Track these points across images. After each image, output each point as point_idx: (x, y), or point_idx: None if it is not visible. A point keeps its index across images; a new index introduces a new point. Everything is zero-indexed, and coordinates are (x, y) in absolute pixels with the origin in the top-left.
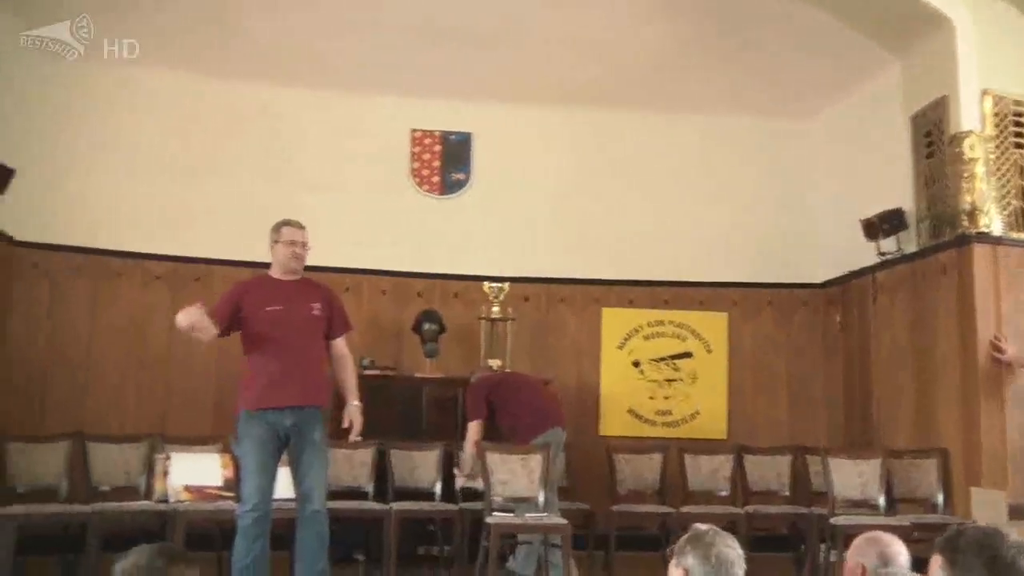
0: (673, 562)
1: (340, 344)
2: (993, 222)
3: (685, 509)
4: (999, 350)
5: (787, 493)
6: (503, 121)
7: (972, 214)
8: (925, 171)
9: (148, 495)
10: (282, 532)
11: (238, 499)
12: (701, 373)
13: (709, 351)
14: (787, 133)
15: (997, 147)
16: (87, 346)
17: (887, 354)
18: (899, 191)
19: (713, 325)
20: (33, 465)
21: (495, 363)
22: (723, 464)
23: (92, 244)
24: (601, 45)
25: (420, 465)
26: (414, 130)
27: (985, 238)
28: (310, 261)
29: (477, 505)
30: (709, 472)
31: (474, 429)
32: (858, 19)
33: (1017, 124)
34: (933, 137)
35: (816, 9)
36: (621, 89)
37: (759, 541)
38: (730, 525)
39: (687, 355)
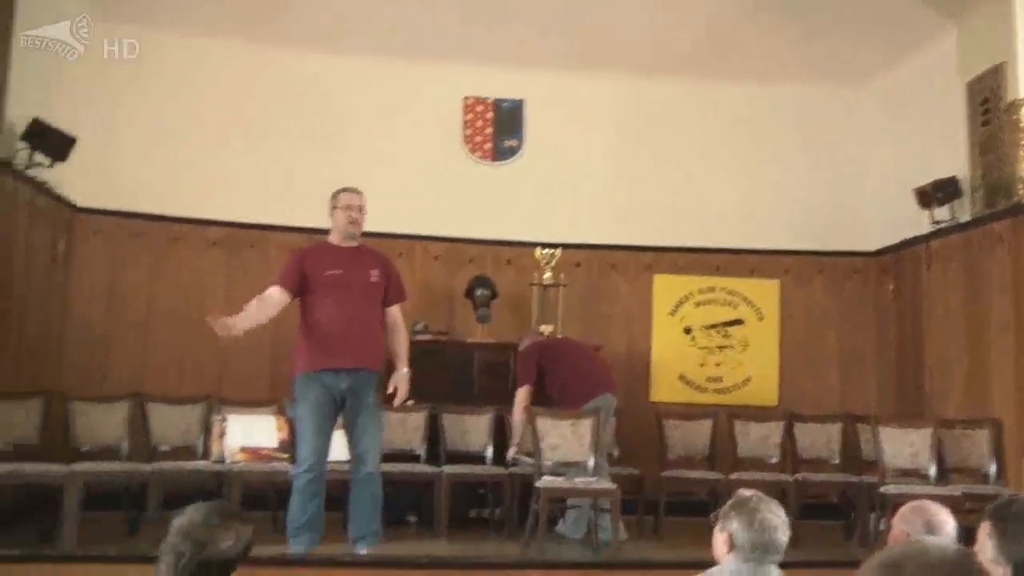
0: (718, 527)
1: (394, 312)
2: None
3: (734, 476)
4: None
5: (837, 461)
6: (555, 88)
7: None
8: (980, 139)
9: (205, 455)
10: (336, 493)
11: (292, 460)
12: (752, 340)
13: (760, 318)
14: (841, 100)
15: None
16: (146, 310)
17: (940, 323)
18: (954, 159)
19: (765, 292)
20: (96, 425)
21: (546, 328)
22: (773, 431)
23: (151, 210)
24: (653, 12)
25: (471, 429)
26: (466, 97)
27: None
28: (364, 227)
29: (527, 469)
30: (759, 439)
31: (523, 395)
32: None
33: None
34: (989, 104)
35: None
36: (673, 56)
37: (809, 509)
38: (779, 492)
39: (738, 322)
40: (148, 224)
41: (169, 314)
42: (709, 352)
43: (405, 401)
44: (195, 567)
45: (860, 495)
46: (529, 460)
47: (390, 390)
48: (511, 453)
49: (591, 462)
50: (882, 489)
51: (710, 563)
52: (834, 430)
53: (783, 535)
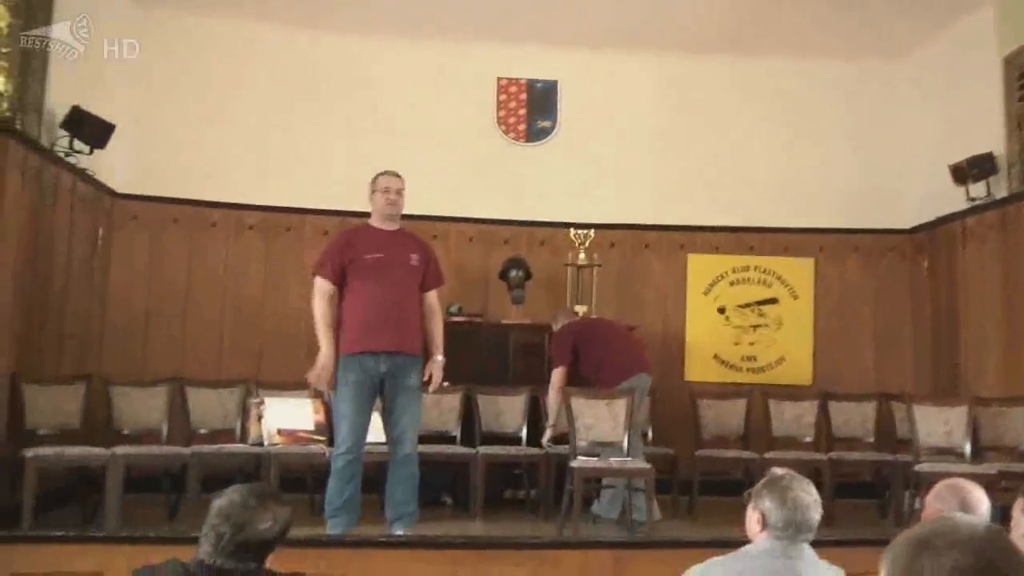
0: (750, 506)
1: (432, 297)
2: None
3: (769, 455)
4: None
5: (872, 440)
6: (588, 68)
7: None
8: (1017, 114)
9: (243, 438)
10: (373, 475)
11: (329, 443)
12: (787, 319)
13: (795, 297)
14: (876, 76)
15: None
16: (184, 294)
17: (975, 301)
18: (990, 135)
19: (799, 271)
20: (137, 409)
21: (581, 309)
22: (807, 410)
23: (188, 195)
24: None
25: (506, 410)
26: (500, 78)
27: None
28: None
29: (562, 449)
30: (793, 418)
31: (558, 376)
32: None
33: None
34: None
35: None
36: (706, 34)
37: (843, 487)
38: (814, 472)
39: (773, 301)
40: (185, 209)
41: (207, 298)
42: (743, 331)
43: (439, 388)
44: (234, 548)
45: (895, 474)
46: (562, 448)
47: (425, 377)
48: (547, 436)
49: (625, 442)
50: (917, 468)
51: (744, 542)
52: (868, 409)
53: (815, 513)
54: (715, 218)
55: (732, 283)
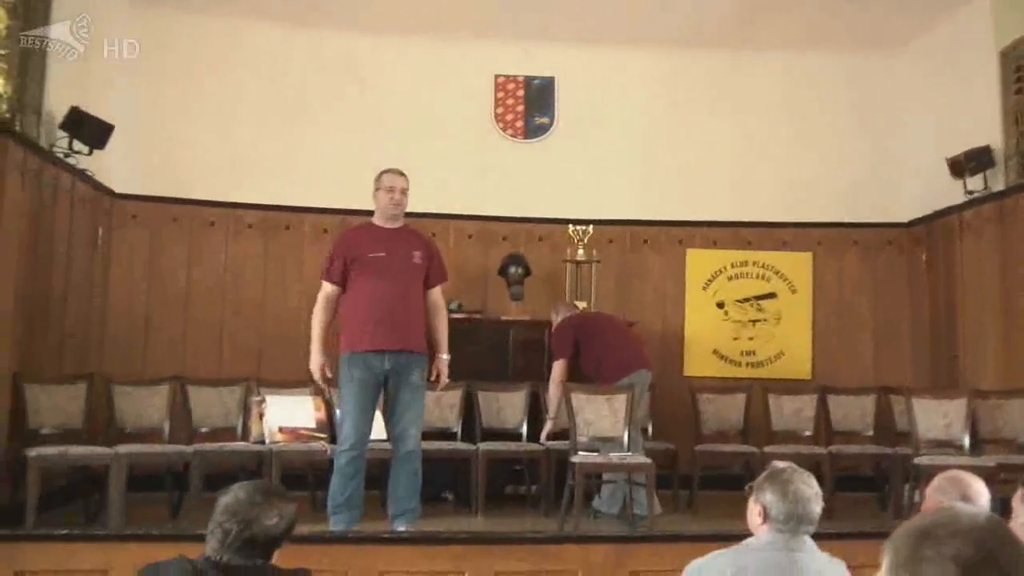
0: (752, 499)
1: (436, 293)
2: None
3: (769, 449)
4: None
5: (871, 433)
6: (585, 64)
7: None
8: (1014, 108)
9: (245, 436)
10: (375, 472)
11: (330, 440)
12: (785, 313)
13: (793, 291)
14: (872, 70)
15: None
16: (184, 293)
17: (974, 294)
18: (987, 128)
19: (797, 265)
20: (138, 408)
21: (580, 304)
22: (807, 404)
23: (187, 195)
24: None
25: (507, 406)
26: (497, 75)
27: None
28: None
29: (563, 445)
30: (793, 412)
31: (559, 369)
32: None
33: None
34: (1023, 73)
35: None
36: (702, 29)
37: (843, 481)
38: (813, 465)
39: (771, 296)
40: (184, 208)
41: (206, 297)
42: (742, 326)
43: (443, 388)
44: (241, 544)
45: (894, 467)
46: (563, 443)
47: (432, 377)
48: (547, 430)
49: (626, 437)
50: (916, 460)
51: (744, 535)
52: (868, 402)
53: (816, 506)
54: (713, 213)
55: (731, 278)
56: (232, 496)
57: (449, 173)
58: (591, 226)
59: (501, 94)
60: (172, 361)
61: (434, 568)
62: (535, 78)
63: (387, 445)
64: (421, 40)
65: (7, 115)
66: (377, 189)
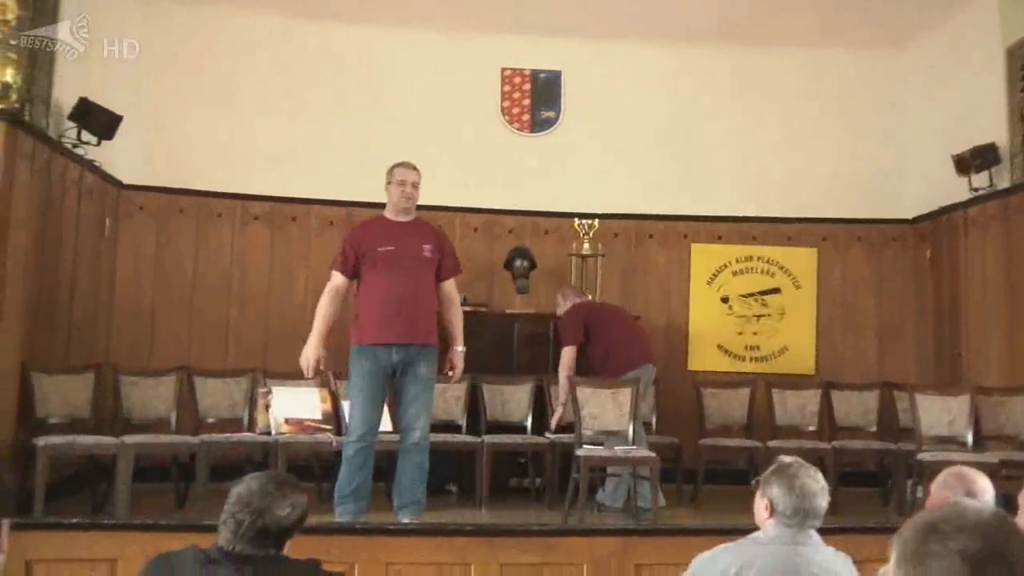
0: (759, 493)
1: (449, 286)
2: None
3: (772, 444)
4: None
5: (874, 429)
6: (592, 58)
7: None
8: (1020, 105)
9: (251, 427)
10: (381, 464)
11: (336, 432)
12: (789, 309)
13: (798, 287)
14: (878, 66)
15: None
16: (191, 284)
17: (978, 291)
18: (992, 126)
19: (802, 261)
20: (145, 398)
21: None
22: (810, 399)
23: (194, 186)
24: None
25: (511, 399)
26: (504, 69)
27: None
28: None
29: (567, 438)
30: (796, 407)
31: (569, 355)
32: None
33: None
34: None
35: None
36: (709, 24)
37: (846, 476)
38: (817, 460)
39: (776, 291)
40: (191, 199)
41: (213, 288)
42: (746, 321)
43: (459, 378)
44: (254, 534)
45: (897, 462)
46: (567, 436)
47: (447, 369)
48: (555, 417)
49: (630, 431)
50: (919, 456)
51: (748, 530)
52: (871, 398)
53: (823, 500)
54: (718, 208)
55: (735, 273)
56: (245, 486)
57: (455, 166)
58: (596, 220)
59: (508, 87)
60: (178, 352)
61: (440, 560)
62: (542, 71)
63: (393, 437)
64: (428, 33)
65: (17, 106)
66: (389, 183)
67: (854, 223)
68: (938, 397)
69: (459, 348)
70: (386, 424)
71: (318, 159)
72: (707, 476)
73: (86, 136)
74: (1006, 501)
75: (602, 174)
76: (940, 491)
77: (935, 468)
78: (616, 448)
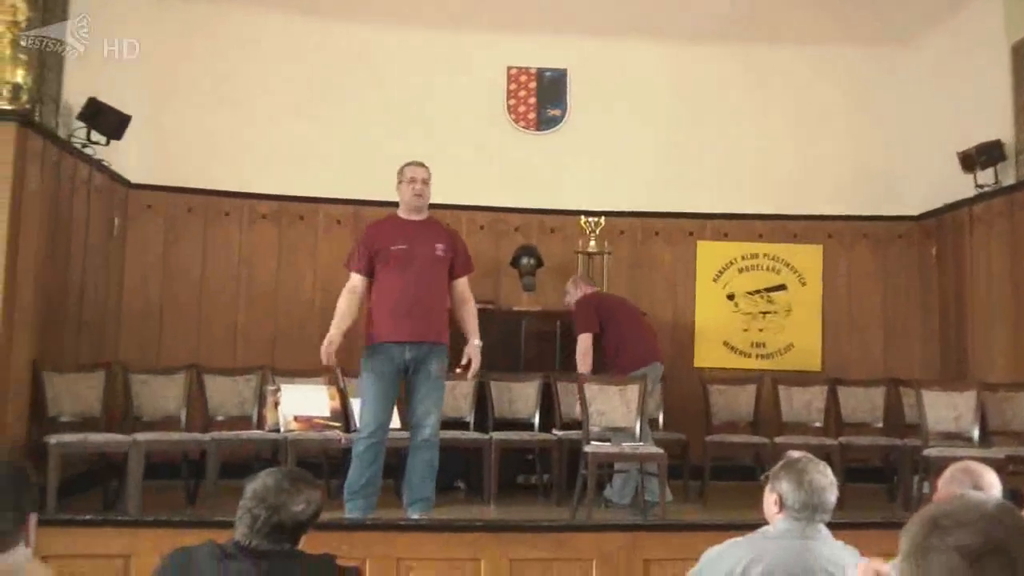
0: (768, 487)
1: (462, 284)
2: None
3: (779, 440)
4: None
5: (880, 425)
6: (597, 56)
7: None
8: None
9: (260, 425)
10: (391, 461)
11: (344, 429)
12: (795, 306)
13: (803, 284)
14: (884, 63)
15: None
16: (199, 283)
17: (983, 287)
18: (998, 122)
19: (808, 258)
20: (155, 397)
21: None
22: (817, 396)
23: (202, 185)
24: None
25: (519, 396)
26: (510, 67)
27: None
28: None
29: (575, 434)
30: (803, 404)
31: (586, 342)
32: None
33: None
34: None
35: None
36: (715, 21)
37: (852, 472)
38: (823, 456)
39: (781, 288)
40: (199, 198)
41: (221, 286)
42: (752, 318)
43: (476, 374)
44: (269, 529)
45: (903, 458)
46: (575, 433)
47: (464, 362)
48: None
49: (637, 428)
50: (925, 452)
51: (756, 525)
52: (877, 394)
53: (832, 495)
54: (724, 205)
55: (741, 270)
56: (260, 482)
57: (461, 164)
58: (603, 217)
59: (513, 86)
60: (187, 350)
61: (451, 555)
62: (547, 70)
63: (402, 435)
64: (434, 31)
65: (27, 106)
66: (400, 182)
67: (860, 220)
68: (944, 393)
69: (476, 342)
70: (395, 421)
71: (325, 158)
72: (714, 472)
73: (95, 136)
74: (1013, 496)
75: (608, 172)
76: (947, 486)
77: (941, 464)
78: (624, 444)
